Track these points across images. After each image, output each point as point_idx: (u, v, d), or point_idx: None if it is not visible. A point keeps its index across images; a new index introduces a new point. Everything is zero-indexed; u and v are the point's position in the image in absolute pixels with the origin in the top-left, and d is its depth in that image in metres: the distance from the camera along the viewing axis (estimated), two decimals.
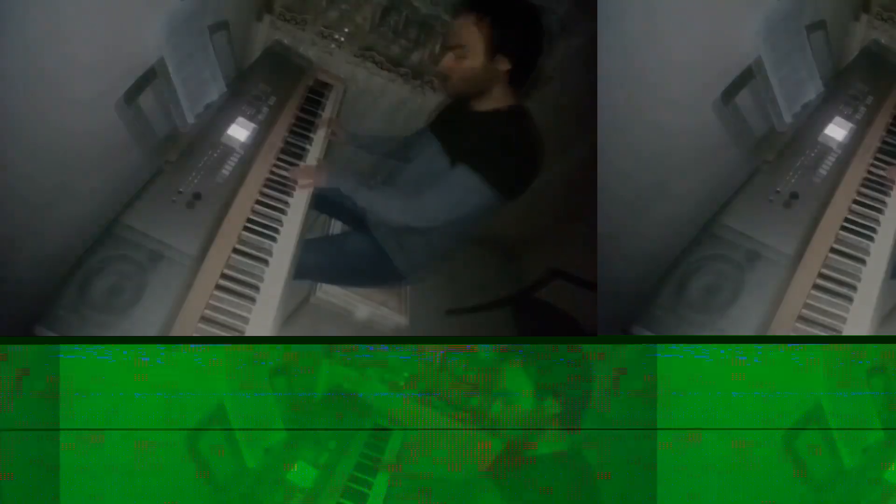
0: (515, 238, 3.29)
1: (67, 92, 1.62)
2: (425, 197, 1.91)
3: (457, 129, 1.93)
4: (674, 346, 1.56)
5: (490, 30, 1.81)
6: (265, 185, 1.90)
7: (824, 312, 1.59)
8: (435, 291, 2.72)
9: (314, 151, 2.14)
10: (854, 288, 1.62)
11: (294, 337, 2.18)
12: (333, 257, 2.14)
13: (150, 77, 1.76)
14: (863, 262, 1.67)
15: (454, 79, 1.89)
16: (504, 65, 1.84)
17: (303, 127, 2.20)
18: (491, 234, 3.22)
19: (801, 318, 1.58)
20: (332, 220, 2.41)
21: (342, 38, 2.71)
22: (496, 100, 1.88)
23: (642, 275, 1.75)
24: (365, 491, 1.49)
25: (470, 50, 1.83)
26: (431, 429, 1.62)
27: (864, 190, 1.80)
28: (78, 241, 1.59)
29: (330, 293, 2.22)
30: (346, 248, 2.16)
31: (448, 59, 1.87)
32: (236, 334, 1.55)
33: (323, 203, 2.14)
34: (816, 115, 1.94)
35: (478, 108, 1.90)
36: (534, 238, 3.22)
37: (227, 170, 1.85)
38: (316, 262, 2.07)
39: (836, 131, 1.91)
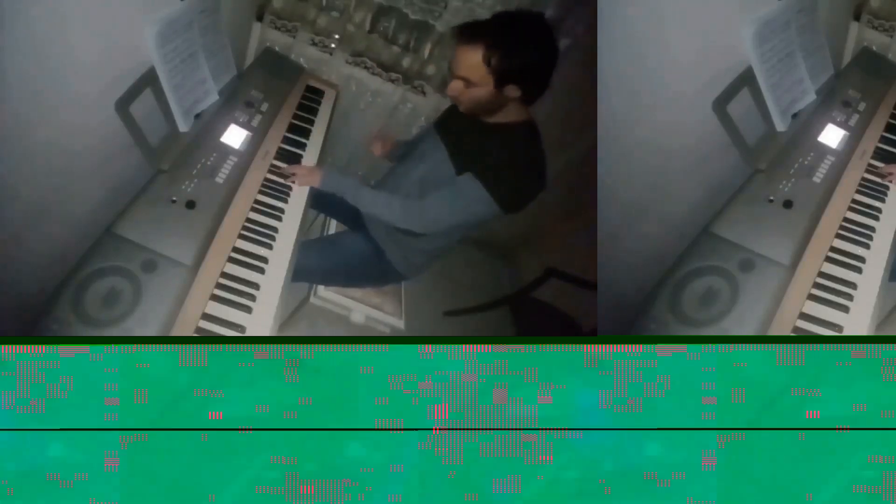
0: (513, 238, 3.29)
1: (70, 91, 1.61)
2: (427, 202, 1.89)
3: (465, 136, 1.89)
4: None
5: (499, 63, 1.71)
6: (260, 192, 1.89)
7: (821, 322, 1.58)
8: (432, 293, 2.72)
9: (309, 158, 2.13)
10: (850, 297, 1.62)
11: (292, 337, 2.17)
12: (331, 258, 2.13)
13: (142, 85, 1.75)
14: (859, 270, 1.67)
15: (465, 103, 1.82)
16: (515, 92, 1.77)
17: (297, 133, 2.19)
18: (489, 235, 3.22)
19: (797, 329, 1.57)
20: (329, 220, 2.41)
21: (333, 45, 2.70)
22: (507, 114, 1.84)
23: (642, 275, 1.74)
24: None
25: (477, 83, 1.75)
26: None
27: (858, 197, 1.81)
28: (80, 241, 1.58)
29: (326, 297, 2.21)
30: (344, 249, 2.15)
31: (455, 87, 1.79)
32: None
33: (320, 202, 2.13)
34: (810, 123, 1.94)
35: (488, 120, 1.86)
36: (532, 238, 3.22)
37: (220, 177, 1.83)
38: (313, 264, 2.07)
39: (830, 138, 1.91)
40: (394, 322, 2.29)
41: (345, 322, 2.28)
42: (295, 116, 2.25)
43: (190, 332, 1.50)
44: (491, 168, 1.81)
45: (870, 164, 1.88)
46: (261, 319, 1.60)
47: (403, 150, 2.27)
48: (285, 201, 1.91)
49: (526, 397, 1.55)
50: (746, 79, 1.82)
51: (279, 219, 1.85)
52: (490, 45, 1.70)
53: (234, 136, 1.98)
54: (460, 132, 1.91)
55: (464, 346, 1.57)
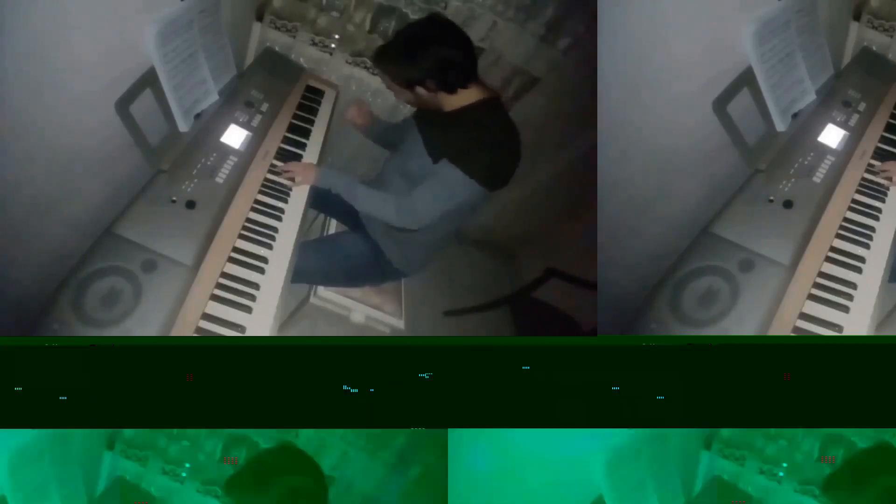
0: (513, 238, 3.29)
1: (70, 91, 1.61)
2: (414, 195, 1.91)
3: (437, 125, 1.94)
4: None
5: (388, 77, 1.91)
6: (260, 192, 1.89)
7: (821, 322, 1.58)
8: (432, 293, 2.72)
9: (309, 158, 2.13)
10: (850, 297, 1.62)
11: (292, 337, 2.17)
12: (331, 258, 2.13)
13: (142, 85, 1.75)
14: (859, 270, 1.67)
15: (413, 105, 2.02)
16: (425, 91, 1.88)
17: (297, 133, 2.19)
18: (489, 235, 3.22)
19: (797, 329, 1.57)
20: (329, 220, 2.41)
21: (333, 45, 2.70)
22: (465, 97, 1.90)
23: (642, 275, 1.74)
24: None
25: (397, 95, 1.95)
26: None
27: (858, 197, 1.81)
28: (80, 241, 1.58)
29: (326, 297, 2.21)
30: (343, 249, 2.15)
31: (398, 97, 2.00)
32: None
33: (320, 202, 2.13)
34: (810, 123, 1.94)
35: (448, 109, 1.92)
36: (532, 238, 3.22)
37: (220, 177, 1.84)
38: (313, 265, 2.07)
39: (830, 138, 1.91)
40: (394, 322, 2.29)
41: (345, 322, 2.28)
42: (295, 116, 2.25)
43: (190, 332, 1.51)
44: (463, 151, 1.86)
45: (870, 164, 1.88)
46: (261, 319, 1.60)
47: (383, 133, 2.29)
48: (285, 201, 1.91)
49: (526, 397, 1.55)
50: (746, 79, 1.82)
51: (279, 219, 1.85)
52: (378, 64, 1.94)
53: (234, 136, 1.98)
54: (433, 122, 1.96)
55: (464, 346, 1.58)
